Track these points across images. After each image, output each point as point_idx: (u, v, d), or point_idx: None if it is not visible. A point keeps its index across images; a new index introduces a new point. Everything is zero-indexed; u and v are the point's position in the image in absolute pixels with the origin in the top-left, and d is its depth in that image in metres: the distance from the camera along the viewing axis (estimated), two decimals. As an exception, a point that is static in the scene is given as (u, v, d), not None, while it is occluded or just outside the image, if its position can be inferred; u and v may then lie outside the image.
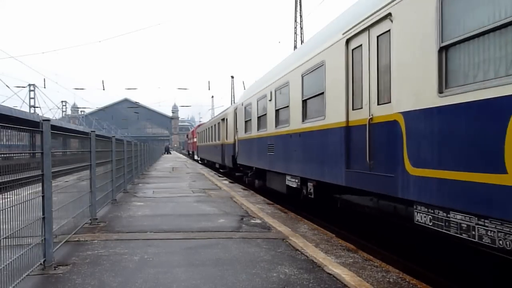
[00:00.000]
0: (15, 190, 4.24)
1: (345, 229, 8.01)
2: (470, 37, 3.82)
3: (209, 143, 28.25)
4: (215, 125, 25.09)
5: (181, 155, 68.64)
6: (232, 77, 61.46)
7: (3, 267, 3.51)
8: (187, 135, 69.17)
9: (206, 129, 31.05)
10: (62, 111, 71.61)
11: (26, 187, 4.47)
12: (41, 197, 4.48)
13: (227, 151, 19.46)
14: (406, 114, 4.75)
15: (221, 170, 23.19)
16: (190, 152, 55.49)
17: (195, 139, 44.98)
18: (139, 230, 6.73)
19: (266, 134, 11.28)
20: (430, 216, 4.41)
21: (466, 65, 3.93)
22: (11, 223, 3.75)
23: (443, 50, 4.19)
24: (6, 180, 3.70)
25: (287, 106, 9.42)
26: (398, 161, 4.85)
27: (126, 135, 79.95)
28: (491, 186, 3.45)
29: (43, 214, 4.49)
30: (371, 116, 5.64)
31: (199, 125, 45.87)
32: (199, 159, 39.42)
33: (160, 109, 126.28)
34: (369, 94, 5.75)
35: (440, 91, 4.19)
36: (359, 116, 6.03)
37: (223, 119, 21.38)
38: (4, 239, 3.62)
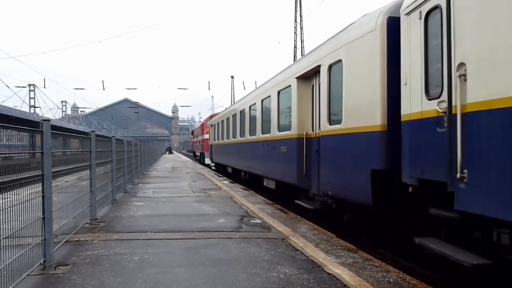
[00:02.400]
0: (15, 190, 4.24)
1: (346, 230, 8.00)
2: None
3: (244, 139, 15.09)
4: (262, 100, 12.39)
5: (181, 155, 68.59)
6: (232, 77, 61.47)
7: (3, 267, 3.51)
8: (192, 132, 53.48)
9: (233, 116, 17.90)
10: (62, 111, 71.70)
11: (26, 187, 4.47)
12: (41, 197, 4.48)
13: (345, 155, 6.85)
14: None
15: (305, 205, 8.70)
16: (197, 154, 40.69)
17: (205, 136, 31.77)
18: (139, 230, 6.72)
19: None
20: None
21: None
22: (11, 223, 3.75)
23: None
24: (6, 180, 3.69)
25: None
26: None
27: (126, 135, 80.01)
28: None
29: (43, 214, 4.49)
30: None
31: (211, 116, 32.61)
32: (212, 164, 27.38)
33: (160, 109, 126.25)
34: None
35: None
36: None
37: (303, 77, 8.92)
38: (4, 239, 3.62)
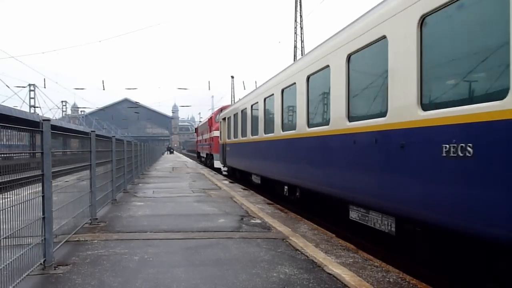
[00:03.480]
0: (15, 190, 4.24)
1: (345, 229, 8.00)
2: None
3: (294, 133, 9.01)
4: (348, 58, 6.28)
5: (181, 155, 68.54)
6: (232, 77, 61.43)
7: (3, 267, 3.51)
8: (196, 129, 45.71)
9: (265, 100, 11.80)
10: (62, 111, 71.72)
11: (26, 187, 4.46)
12: (41, 197, 4.48)
13: None
14: None
15: None
16: (203, 155, 34.98)
17: (215, 133, 25.76)
18: (139, 230, 6.73)
19: None
20: None
21: None
22: (11, 223, 3.75)
23: None
24: (6, 180, 3.69)
25: None
26: None
27: (126, 135, 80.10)
28: None
29: (43, 214, 4.49)
30: None
31: (222, 109, 25.80)
32: (224, 169, 21.35)
33: (160, 109, 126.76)
34: None
35: None
36: None
37: None
38: (4, 239, 3.62)
